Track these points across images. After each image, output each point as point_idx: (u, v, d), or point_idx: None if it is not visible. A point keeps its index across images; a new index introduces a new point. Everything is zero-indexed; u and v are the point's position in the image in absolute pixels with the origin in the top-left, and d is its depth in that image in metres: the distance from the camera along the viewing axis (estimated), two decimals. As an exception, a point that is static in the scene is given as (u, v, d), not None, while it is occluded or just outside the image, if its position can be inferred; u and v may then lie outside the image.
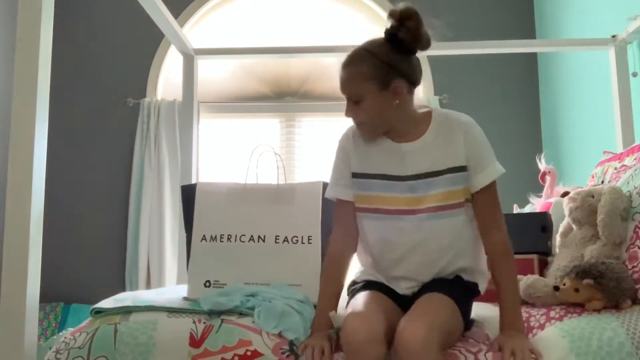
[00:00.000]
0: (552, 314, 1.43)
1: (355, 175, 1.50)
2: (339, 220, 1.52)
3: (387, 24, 1.44)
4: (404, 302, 1.41)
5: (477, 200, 1.46)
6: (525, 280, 1.58)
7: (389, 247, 1.46)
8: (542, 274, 1.78)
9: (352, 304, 1.38)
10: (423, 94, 3.73)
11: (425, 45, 1.44)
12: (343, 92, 1.48)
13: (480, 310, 1.56)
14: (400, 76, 1.42)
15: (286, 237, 1.54)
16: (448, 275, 1.46)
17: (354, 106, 1.45)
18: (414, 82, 1.46)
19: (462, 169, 1.45)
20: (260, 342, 1.32)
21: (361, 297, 1.39)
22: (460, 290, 1.42)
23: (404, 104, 1.44)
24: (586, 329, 1.29)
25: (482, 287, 1.51)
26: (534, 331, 1.41)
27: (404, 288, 1.46)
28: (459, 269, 1.47)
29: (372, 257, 1.51)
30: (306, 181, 1.60)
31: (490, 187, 1.45)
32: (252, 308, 1.40)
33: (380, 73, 1.41)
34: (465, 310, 1.43)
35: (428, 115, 1.49)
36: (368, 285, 1.47)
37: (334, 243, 1.50)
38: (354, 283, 1.54)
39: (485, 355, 1.30)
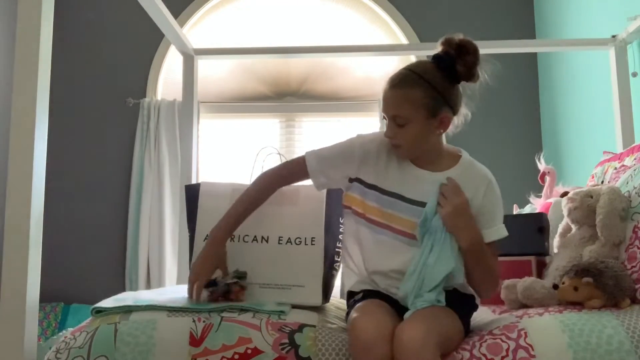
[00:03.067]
0: (550, 309, 1.42)
1: (370, 186, 1.49)
2: (290, 171, 1.57)
3: (439, 49, 1.45)
4: (402, 311, 1.42)
5: None
6: (522, 283, 1.57)
7: (387, 260, 1.46)
8: (540, 275, 1.78)
9: (357, 309, 1.38)
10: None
11: (476, 81, 1.46)
12: (387, 111, 1.44)
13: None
14: (449, 107, 1.44)
15: (289, 238, 1.54)
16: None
17: (396, 128, 1.43)
18: (456, 112, 1.48)
19: None
20: (260, 339, 1.32)
21: (366, 303, 1.41)
22: (458, 302, 1.43)
23: (440, 136, 1.48)
24: (586, 325, 1.29)
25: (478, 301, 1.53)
26: (531, 313, 1.41)
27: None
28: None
29: (367, 267, 1.50)
30: (310, 184, 1.60)
31: (492, 245, 1.47)
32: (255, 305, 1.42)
33: (431, 102, 1.41)
34: (466, 321, 1.44)
35: (456, 154, 1.52)
36: (367, 294, 1.48)
37: (275, 176, 1.56)
38: (352, 294, 1.53)
39: (479, 350, 1.30)
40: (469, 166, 1.50)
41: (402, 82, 1.43)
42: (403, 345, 1.21)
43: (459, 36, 1.43)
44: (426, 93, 1.40)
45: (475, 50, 1.42)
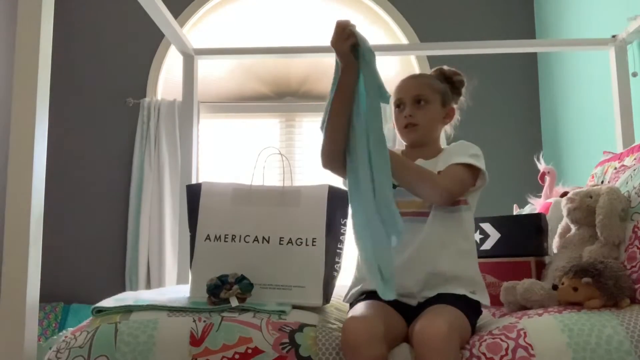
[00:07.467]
0: (550, 310, 1.42)
1: None
2: None
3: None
4: (406, 313, 1.43)
5: None
6: (521, 285, 1.57)
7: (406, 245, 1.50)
8: (539, 275, 1.78)
9: (352, 310, 1.41)
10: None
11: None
12: (408, 94, 1.63)
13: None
14: (454, 102, 1.69)
15: (290, 239, 1.54)
16: (449, 288, 1.48)
17: (416, 108, 1.61)
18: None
19: None
20: (261, 338, 1.32)
21: (361, 304, 1.43)
22: (465, 306, 1.44)
23: (443, 127, 1.69)
24: (586, 325, 1.30)
25: (484, 300, 1.53)
26: (530, 314, 1.41)
27: (405, 290, 1.48)
28: (454, 277, 1.49)
29: None
30: (312, 184, 1.60)
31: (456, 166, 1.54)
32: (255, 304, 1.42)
33: (444, 92, 1.66)
34: (472, 324, 1.45)
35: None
36: (369, 295, 1.50)
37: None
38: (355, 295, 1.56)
39: (479, 349, 1.30)
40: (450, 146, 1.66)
41: (422, 74, 1.76)
42: (427, 342, 1.23)
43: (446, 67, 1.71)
44: (441, 85, 1.66)
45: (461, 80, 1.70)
